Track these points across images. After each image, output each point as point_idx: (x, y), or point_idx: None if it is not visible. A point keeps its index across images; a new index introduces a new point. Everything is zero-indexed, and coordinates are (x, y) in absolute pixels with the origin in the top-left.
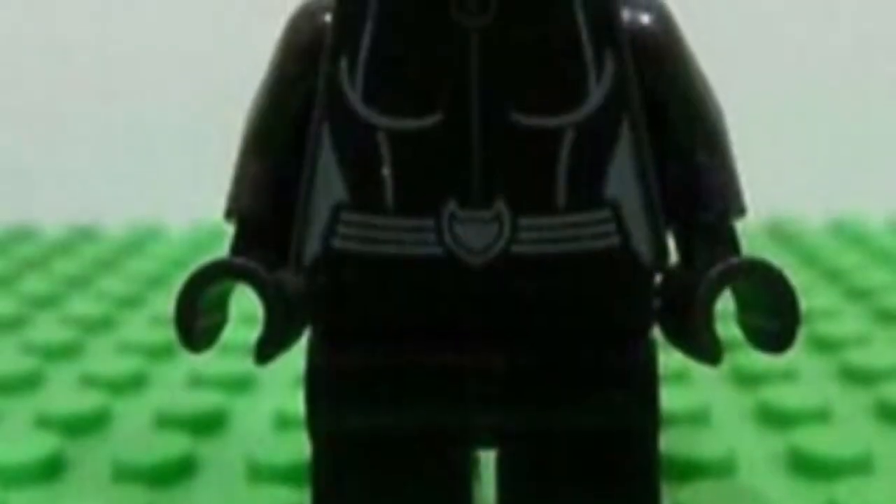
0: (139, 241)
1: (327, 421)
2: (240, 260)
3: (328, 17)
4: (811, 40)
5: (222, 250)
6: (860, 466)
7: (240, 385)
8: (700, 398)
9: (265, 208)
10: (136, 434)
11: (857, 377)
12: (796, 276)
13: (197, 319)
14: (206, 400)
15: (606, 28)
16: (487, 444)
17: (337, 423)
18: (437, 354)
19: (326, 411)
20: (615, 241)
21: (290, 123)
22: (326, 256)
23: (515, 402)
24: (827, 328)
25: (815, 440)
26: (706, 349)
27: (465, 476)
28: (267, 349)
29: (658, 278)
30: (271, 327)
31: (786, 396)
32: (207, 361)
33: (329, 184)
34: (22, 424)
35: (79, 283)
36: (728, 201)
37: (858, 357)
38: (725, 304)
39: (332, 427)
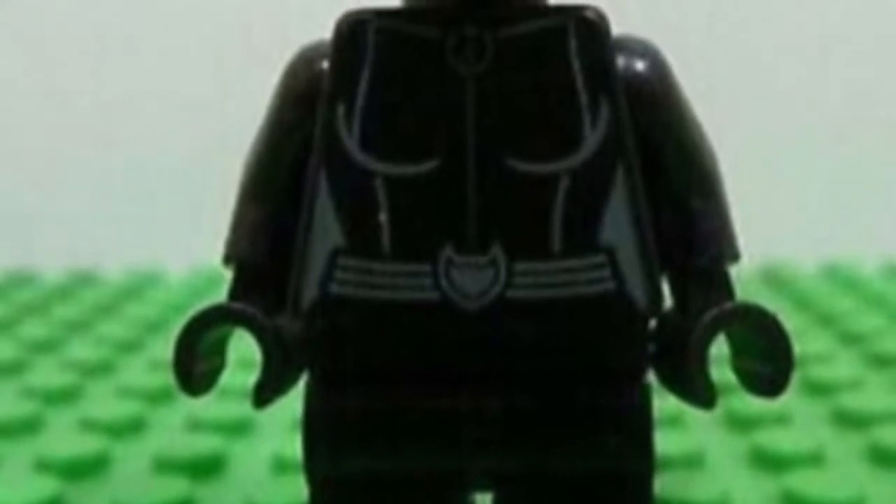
0: (138, 287)
1: (325, 464)
2: (238, 305)
3: (325, 64)
4: (805, 86)
5: (221, 295)
6: None
7: (238, 429)
8: (694, 442)
9: (263, 254)
10: (135, 477)
11: (850, 421)
12: (790, 321)
13: (195, 364)
14: (205, 444)
15: (601, 75)
16: (484, 488)
17: (334, 466)
18: (434, 398)
19: (324, 455)
20: (610, 286)
21: (287, 169)
22: (324, 301)
23: (511, 446)
24: (820, 372)
25: (809, 483)
26: (700, 393)
27: None
28: (265, 393)
29: (653, 323)
30: (269, 372)
31: (779, 440)
32: (206, 405)
33: (326, 229)
34: (22, 468)
35: (78, 327)
36: (722, 246)
37: (851, 401)
38: (719, 348)
39: (329, 470)
